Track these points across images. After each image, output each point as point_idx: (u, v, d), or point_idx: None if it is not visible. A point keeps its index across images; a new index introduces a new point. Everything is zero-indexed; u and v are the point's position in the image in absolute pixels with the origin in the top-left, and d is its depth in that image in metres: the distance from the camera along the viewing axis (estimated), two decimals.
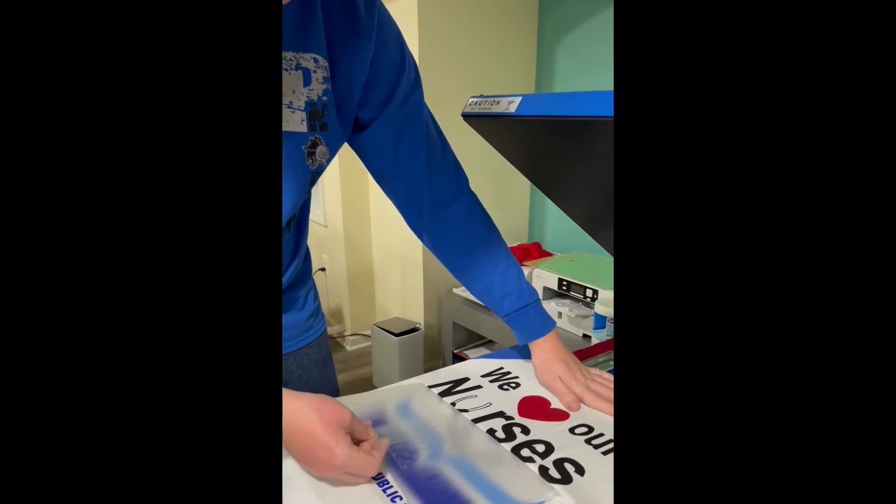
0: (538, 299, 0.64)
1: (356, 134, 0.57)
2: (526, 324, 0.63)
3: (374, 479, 0.45)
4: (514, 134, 0.65)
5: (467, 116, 0.58)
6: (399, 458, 0.48)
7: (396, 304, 2.02)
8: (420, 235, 0.65)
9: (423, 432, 0.53)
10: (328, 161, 0.53)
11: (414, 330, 1.78)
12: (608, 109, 0.40)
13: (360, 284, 2.15)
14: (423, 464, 0.48)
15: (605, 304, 1.09)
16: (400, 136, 0.56)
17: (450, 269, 0.66)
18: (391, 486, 0.44)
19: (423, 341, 1.81)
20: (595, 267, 1.47)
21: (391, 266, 2.00)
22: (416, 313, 1.88)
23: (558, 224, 1.87)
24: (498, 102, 0.53)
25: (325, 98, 0.49)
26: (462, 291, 1.73)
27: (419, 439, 0.52)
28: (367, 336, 2.12)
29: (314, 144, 0.50)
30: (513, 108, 0.51)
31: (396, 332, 1.75)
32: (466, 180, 0.64)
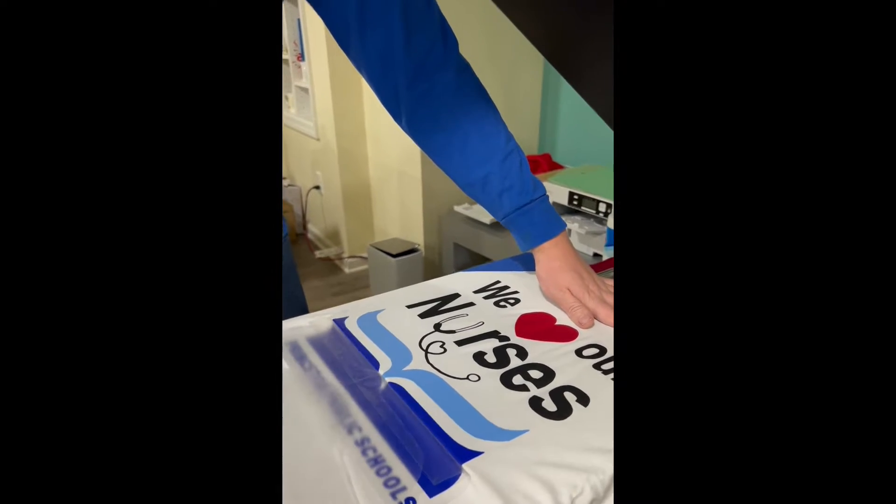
0: (545, 195, 0.51)
1: None
2: (530, 224, 0.51)
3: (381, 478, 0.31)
4: None
5: None
6: (360, 384, 0.38)
7: (395, 225, 1.91)
8: (398, 117, 0.51)
9: (388, 345, 0.44)
10: None
11: (412, 251, 1.68)
12: None
13: (357, 204, 2.03)
14: (380, 382, 0.38)
15: None
16: None
17: (435, 159, 0.53)
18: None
19: (422, 263, 1.71)
20: (610, 179, 1.31)
21: (389, 184, 1.86)
22: (415, 234, 1.77)
23: (571, 133, 1.70)
24: None
25: None
26: (464, 209, 1.60)
27: (381, 353, 0.43)
28: (366, 258, 2.03)
29: None
30: None
31: (394, 252, 1.65)
32: (456, 44, 0.49)
